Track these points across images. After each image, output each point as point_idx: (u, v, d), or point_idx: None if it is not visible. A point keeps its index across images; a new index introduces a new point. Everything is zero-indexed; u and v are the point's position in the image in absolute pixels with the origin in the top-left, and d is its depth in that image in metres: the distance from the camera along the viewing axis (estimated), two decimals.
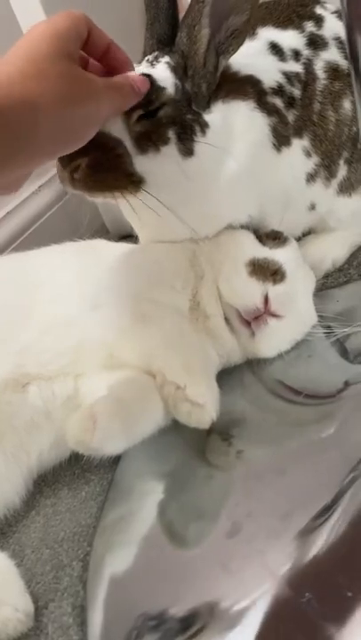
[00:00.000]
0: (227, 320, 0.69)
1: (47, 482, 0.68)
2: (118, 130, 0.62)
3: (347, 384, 0.64)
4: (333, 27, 0.74)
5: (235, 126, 0.68)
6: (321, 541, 0.50)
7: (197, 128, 0.66)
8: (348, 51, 0.40)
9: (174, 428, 0.63)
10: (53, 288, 0.70)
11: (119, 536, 0.61)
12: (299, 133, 0.72)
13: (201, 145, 0.65)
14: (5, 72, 0.47)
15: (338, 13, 0.75)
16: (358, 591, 0.46)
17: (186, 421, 0.60)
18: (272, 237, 0.73)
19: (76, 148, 0.54)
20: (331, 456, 0.57)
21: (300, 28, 0.74)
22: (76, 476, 0.68)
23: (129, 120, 0.62)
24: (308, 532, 0.51)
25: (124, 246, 0.75)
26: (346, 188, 0.78)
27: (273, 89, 0.70)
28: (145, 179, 0.64)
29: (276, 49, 0.72)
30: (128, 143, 0.63)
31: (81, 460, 0.65)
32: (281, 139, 0.71)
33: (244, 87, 0.69)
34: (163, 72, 0.65)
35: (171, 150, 0.64)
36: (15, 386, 0.64)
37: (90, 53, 0.57)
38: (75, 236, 0.80)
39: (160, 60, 0.66)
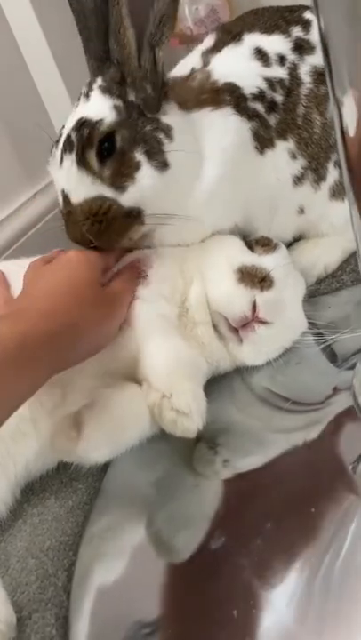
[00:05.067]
0: (215, 327, 0.69)
1: (34, 490, 0.68)
2: (92, 188, 0.64)
3: (335, 390, 0.64)
4: None
5: (206, 135, 0.68)
6: (298, 563, 0.50)
7: (162, 135, 0.65)
8: (322, 52, 0.40)
9: (163, 437, 0.63)
10: None
11: (107, 545, 0.61)
12: (283, 135, 0.72)
13: (173, 154, 0.65)
14: (51, 303, 0.58)
15: None
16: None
17: (171, 430, 0.59)
18: (261, 244, 0.72)
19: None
20: (316, 464, 0.57)
21: (286, 32, 0.74)
22: (63, 485, 0.68)
23: (93, 170, 0.64)
24: (285, 552, 0.51)
25: None
26: (338, 193, 0.77)
27: (253, 95, 0.70)
28: (140, 208, 0.65)
29: (260, 54, 0.72)
30: (107, 191, 0.64)
31: (69, 468, 0.65)
32: (263, 141, 0.71)
33: (220, 96, 0.69)
34: (95, 100, 0.65)
35: (145, 172, 0.65)
36: None
37: None
38: (69, 244, 0.79)
39: (93, 86, 0.66)
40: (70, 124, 0.65)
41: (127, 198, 0.65)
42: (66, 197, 0.66)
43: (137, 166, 0.64)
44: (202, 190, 0.68)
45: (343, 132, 0.42)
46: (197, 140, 0.68)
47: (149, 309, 0.67)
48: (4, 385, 0.51)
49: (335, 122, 0.43)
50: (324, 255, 0.81)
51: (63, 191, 0.66)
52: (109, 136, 0.63)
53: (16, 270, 0.71)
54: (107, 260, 0.68)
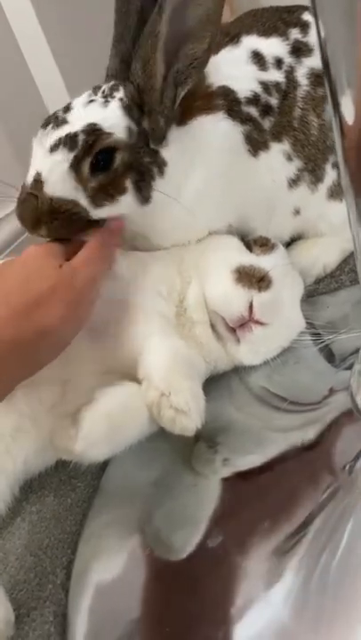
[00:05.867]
0: (213, 327, 0.69)
1: (33, 488, 0.68)
2: (71, 192, 0.63)
3: (332, 391, 0.64)
4: None
5: (197, 142, 0.67)
6: (294, 562, 0.50)
7: (155, 170, 0.65)
8: (321, 57, 0.40)
9: (162, 435, 0.63)
10: None
11: (105, 543, 0.61)
12: (278, 138, 0.72)
13: (157, 193, 0.65)
14: (12, 307, 0.55)
15: None
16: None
17: (170, 428, 0.59)
18: (260, 244, 0.72)
19: None
20: (313, 465, 0.57)
21: (284, 35, 0.73)
22: (62, 483, 0.68)
23: (80, 176, 0.62)
24: (281, 551, 0.52)
25: None
26: (336, 194, 0.77)
27: (248, 98, 0.70)
28: (105, 219, 0.65)
29: (257, 58, 0.72)
30: (83, 201, 0.63)
31: (67, 466, 0.65)
32: (257, 144, 0.71)
33: (214, 101, 0.68)
34: (114, 113, 0.63)
35: (128, 199, 0.65)
36: None
37: None
38: None
39: (115, 94, 0.64)
40: (81, 117, 0.63)
41: (99, 213, 0.64)
42: (39, 182, 0.63)
43: (123, 191, 0.64)
44: (188, 195, 0.68)
45: (342, 133, 0.42)
46: (191, 153, 0.67)
47: (148, 309, 0.67)
48: None
49: (333, 122, 0.43)
50: (323, 255, 0.81)
51: (39, 174, 0.63)
52: (109, 151, 0.62)
53: None
54: (68, 249, 0.64)
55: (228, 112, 0.68)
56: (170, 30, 0.59)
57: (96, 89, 0.66)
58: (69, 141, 0.62)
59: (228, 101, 0.69)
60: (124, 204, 0.65)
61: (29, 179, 0.64)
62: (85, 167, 0.62)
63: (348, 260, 0.83)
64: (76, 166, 0.62)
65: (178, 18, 0.59)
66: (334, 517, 0.52)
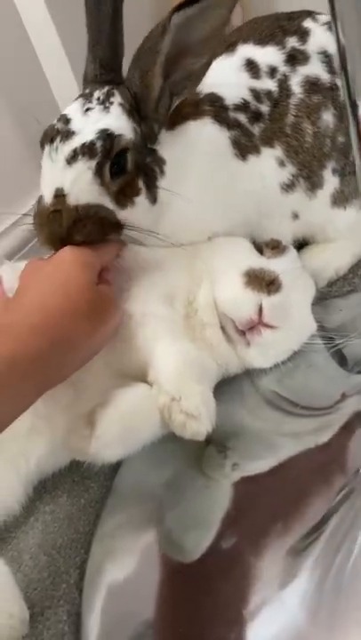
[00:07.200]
0: (223, 329, 0.69)
1: (47, 488, 0.69)
2: (97, 197, 0.63)
3: (344, 396, 0.64)
4: (319, 40, 0.74)
5: (187, 146, 0.68)
6: (309, 562, 0.50)
7: (157, 169, 0.67)
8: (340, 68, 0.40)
9: (174, 437, 0.62)
10: None
11: (118, 543, 0.62)
12: (269, 143, 0.72)
13: (161, 191, 0.67)
14: (44, 316, 0.55)
15: (329, 25, 0.75)
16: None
17: (180, 433, 0.58)
18: (271, 246, 0.72)
19: None
20: (326, 468, 0.57)
21: (281, 44, 0.74)
22: (75, 483, 0.69)
23: (103, 181, 0.63)
24: (296, 551, 0.52)
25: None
26: (340, 201, 0.77)
27: (236, 105, 0.70)
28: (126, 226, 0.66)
29: (251, 66, 0.72)
30: (109, 203, 0.64)
31: (81, 467, 0.66)
32: (245, 148, 0.71)
33: (200, 107, 0.69)
34: (119, 118, 0.64)
35: (142, 199, 0.66)
36: None
37: None
38: None
39: (112, 99, 0.64)
40: (88, 126, 0.63)
41: (124, 215, 0.65)
42: (60, 197, 0.62)
43: (138, 192, 0.65)
44: (187, 210, 0.69)
45: (359, 136, 0.43)
46: (183, 156, 0.68)
47: (158, 312, 0.67)
48: None
49: (350, 125, 0.43)
50: (335, 259, 0.81)
51: (60, 189, 0.62)
52: (123, 152, 0.63)
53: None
54: (103, 259, 0.65)
55: (214, 117, 0.69)
56: (172, 47, 0.60)
57: (87, 96, 0.66)
58: (88, 150, 0.62)
59: (215, 107, 0.70)
60: (141, 205, 0.66)
61: (48, 197, 0.63)
62: (107, 172, 0.63)
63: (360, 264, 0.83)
64: (100, 172, 0.62)
65: (181, 34, 0.59)
66: (348, 519, 0.53)
